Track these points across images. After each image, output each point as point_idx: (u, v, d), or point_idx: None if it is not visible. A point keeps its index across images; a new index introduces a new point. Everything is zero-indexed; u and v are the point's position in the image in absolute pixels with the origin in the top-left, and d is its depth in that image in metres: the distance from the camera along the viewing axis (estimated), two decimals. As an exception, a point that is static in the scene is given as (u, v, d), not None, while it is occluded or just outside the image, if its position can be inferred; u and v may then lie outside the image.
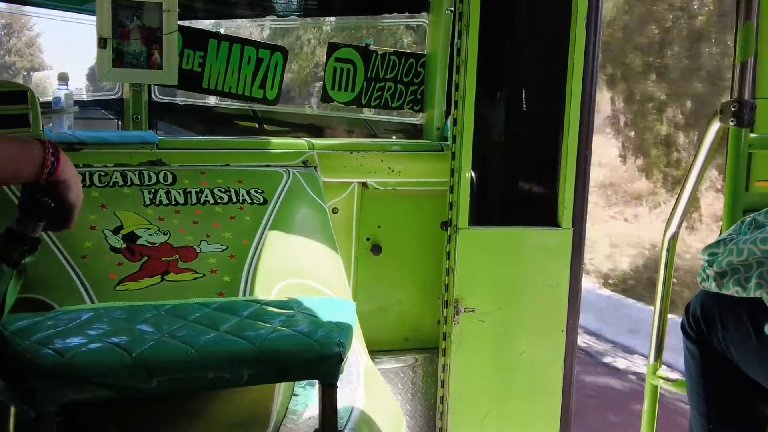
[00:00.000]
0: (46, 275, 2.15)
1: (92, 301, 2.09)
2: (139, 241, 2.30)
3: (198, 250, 2.29)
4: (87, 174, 2.52)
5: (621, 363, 6.35)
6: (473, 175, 2.84)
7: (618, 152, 11.36)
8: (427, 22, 3.56)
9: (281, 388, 1.82)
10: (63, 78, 3.21)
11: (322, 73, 3.59)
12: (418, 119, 3.63)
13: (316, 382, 1.64)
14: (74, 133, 2.84)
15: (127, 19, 3.17)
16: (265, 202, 2.56)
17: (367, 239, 3.10)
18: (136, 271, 2.19)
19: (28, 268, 1.38)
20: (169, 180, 2.55)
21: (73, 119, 3.15)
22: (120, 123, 4.01)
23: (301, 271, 2.33)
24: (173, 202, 2.47)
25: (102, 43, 3.16)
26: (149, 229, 2.35)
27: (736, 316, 1.60)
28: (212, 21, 3.93)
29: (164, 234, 2.33)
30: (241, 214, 2.48)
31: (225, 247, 2.32)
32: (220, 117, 4.19)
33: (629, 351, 6.55)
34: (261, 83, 3.49)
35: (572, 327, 2.89)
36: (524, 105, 3.09)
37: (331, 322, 1.70)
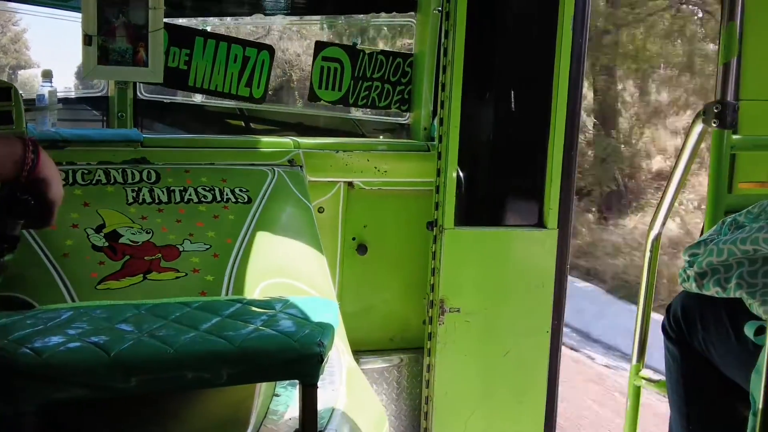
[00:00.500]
0: (27, 273, 2.13)
1: (73, 300, 2.07)
2: (121, 240, 2.28)
3: (181, 249, 2.28)
4: (70, 172, 2.50)
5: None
6: (460, 174, 2.84)
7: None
8: (415, 21, 3.55)
9: (262, 388, 1.81)
10: (47, 75, 3.19)
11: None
12: (405, 119, 3.63)
13: (298, 382, 1.63)
14: (58, 130, 2.82)
15: (112, 16, 3.14)
16: (250, 201, 2.54)
17: (353, 239, 3.09)
18: (118, 269, 2.17)
19: (7, 267, 1.37)
20: (153, 178, 2.54)
21: (57, 116, 3.14)
22: (105, 121, 3.99)
23: (285, 270, 2.32)
24: (156, 201, 2.45)
25: (87, 40, 3.13)
26: (132, 227, 2.33)
27: (716, 316, 1.60)
28: (199, 18, 3.91)
29: (147, 233, 2.32)
30: (225, 212, 2.47)
31: (208, 246, 2.30)
32: (207, 115, 4.17)
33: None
34: (247, 81, 3.47)
35: (557, 328, 2.89)
36: (511, 105, 3.09)
37: (313, 322, 1.68)
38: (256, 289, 2.17)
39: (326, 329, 1.66)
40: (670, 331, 1.74)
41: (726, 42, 1.87)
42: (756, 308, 1.47)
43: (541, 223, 2.89)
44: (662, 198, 2.08)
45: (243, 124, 4.01)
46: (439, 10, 3.30)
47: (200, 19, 3.83)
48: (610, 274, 8.64)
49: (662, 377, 2.10)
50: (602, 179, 10.77)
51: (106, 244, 2.26)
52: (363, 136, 3.81)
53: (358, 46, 3.57)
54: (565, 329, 3.06)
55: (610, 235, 9.88)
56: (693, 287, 1.60)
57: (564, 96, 2.84)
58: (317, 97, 3.59)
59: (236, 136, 3.20)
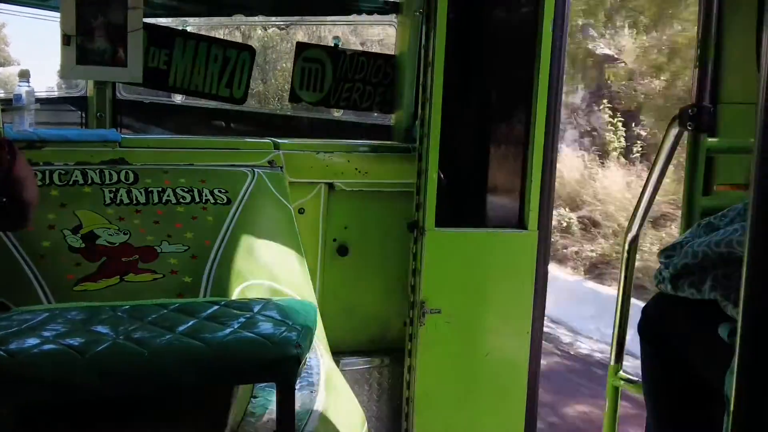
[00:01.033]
0: (3, 275, 2.11)
1: (49, 302, 2.05)
2: (98, 241, 2.26)
3: (159, 250, 2.26)
4: (47, 172, 2.47)
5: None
6: (441, 176, 2.84)
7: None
8: (396, 23, 3.55)
9: (240, 390, 1.80)
10: (24, 75, 3.16)
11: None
12: (387, 120, 3.63)
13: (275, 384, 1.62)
14: (35, 130, 2.79)
15: (91, 16, 3.12)
16: (229, 202, 2.53)
17: (334, 240, 3.08)
18: (95, 271, 2.16)
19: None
20: (131, 179, 2.52)
21: (34, 116, 3.11)
22: (84, 121, 3.96)
23: (264, 272, 2.31)
24: (134, 202, 2.44)
25: (66, 40, 3.11)
26: (109, 228, 2.31)
27: (691, 318, 1.61)
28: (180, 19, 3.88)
29: (124, 234, 2.30)
30: (203, 214, 2.45)
31: (186, 248, 2.29)
32: (187, 115, 4.15)
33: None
34: (228, 82, 3.46)
35: (537, 328, 2.90)
36: (492, 107, 3.10)
37: (291, 324, 1.68)
38: (234, 290, 2.16)
39: (304, 331, 1.65)
40: (645, 332, 1.75)
41: (702, 46, 1.88)
42: (730, 310, 1.48)
43: (521, 225, 2.90)
44: (639, 201, 2.09)
45: (224, 124, 4.00)
46: (420, 12, 3.30)
47: (180, 19, 3.80)
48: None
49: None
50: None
51: (83, 245, 2.24)
52: (344, 137, 3.81)
53: (340, 47, 3.56)
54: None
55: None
56: (668, 289, 1.61)
57: (544, 98, 2.85)
58: (298, 98, 3.58)
59: (216, 137, 3.18)
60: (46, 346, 1.54)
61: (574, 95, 11.44)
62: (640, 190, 2.10)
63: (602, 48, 11.06)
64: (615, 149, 10.36)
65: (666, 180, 2.07)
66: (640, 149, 10.05)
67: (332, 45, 3.58)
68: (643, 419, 1.88)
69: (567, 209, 9.68)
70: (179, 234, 2.35)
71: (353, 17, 3.97)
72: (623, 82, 10.74)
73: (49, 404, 1.60)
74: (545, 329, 3.24)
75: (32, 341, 1.56)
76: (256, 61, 3.51)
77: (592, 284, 8.23)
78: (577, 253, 8.96)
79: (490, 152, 3.11)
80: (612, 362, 2.20)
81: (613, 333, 2.19)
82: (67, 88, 4.82)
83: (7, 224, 1.38)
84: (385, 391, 3.13)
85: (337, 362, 2.89)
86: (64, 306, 1.92)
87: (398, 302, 3.05)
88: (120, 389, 1.50)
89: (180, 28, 3.47)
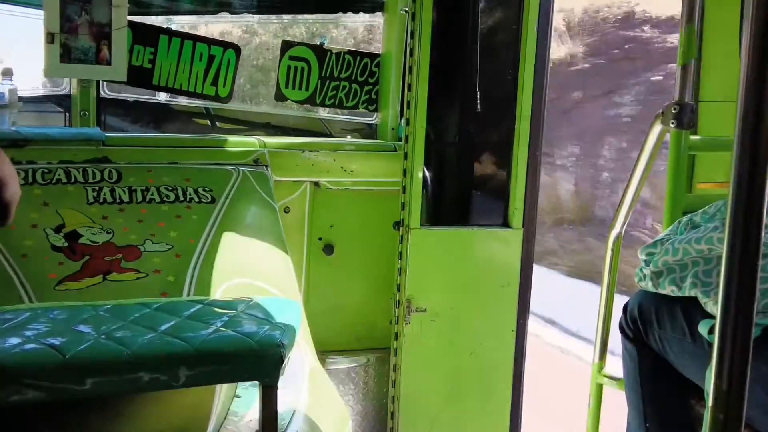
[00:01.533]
0: (-16, 275, 2.10)
1: (31, 301, 2.04)
2: (81, 240, 2.25)
3: (142, 249, 2.25)
4: (30, 171, 2.46)
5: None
6: (427, 175, 2.84)
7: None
8: (383, 22, 3.55)
9: (223, 389, 1.79)
10: (7, 73, 3.14)
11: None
12: (373, 119, 3.63)
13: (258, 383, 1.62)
14: (18, 129, 2.77)
15: (75, 13, 3.10)
16: (213, 200, 2.52)
17: (320, 239, 3.08)
18: (78, 270, 2.15)
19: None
20: (114, 178, 2.51)
21: (17, 115, 3.09)
22: (68, 119, 3.94)
23: (248, 271, 2.31)
24: (118, 201, 2.42)
25: (49, 38, 3.09)
26: (92, 227, 2.30)
27: (672, 315, 1.62)
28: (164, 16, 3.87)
29: (107, 233, 2.29)
30: (187, 212, 2.44)
31: (170, 247, 2.28)
32: (172, 114, 4.13)
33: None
34: (213, 80, 3.45)
35: (522, 327, 2.91)
36: (477, 106, 3.11)
37: (274, 323, 1.67)
38: (218, 289, 2.16)
39: (287, 330, 1.65)
40: (627, 329, 1.75)
41: (685, 44, 1.89)
42: (710, 307, 1.49)
43: (506, 223, 2.91)
44: (622, 198, 2.10)
45: (209, 123, 3.99)
46: (406, 11, 3.30)
47: (165, 17, 3.78)
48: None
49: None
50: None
51: (66, 244, 2.23)
52: (331, 136, 3.81)
53: (326, 46, 3.56)
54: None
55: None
56: (649, 286, 1.62)
57: (529, 96, 2.86)
58: (284, 97, 3.57)
59: (201, 136, 3.17)
60: (28, 346, 1.53)
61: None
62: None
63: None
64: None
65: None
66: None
67: (318, 44, 3.57)
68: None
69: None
70: (163, 233, 2.34)
71: (339, 15, 3.97)
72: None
73: (29, 404, 1.59)
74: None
75: (13, 341, 1.55)
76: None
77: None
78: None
79: (475, 151, 3.12)
80: (596, 360, 2.20)
81: (597, 331, 2.19)
82: (51, 87, 4.79)
83: None
84: (370, 389, 3.13)
85: (323, 361, 2.89)
86: (46, 305, 1.91)
87: (384, 301, 3.06)
88: (102, 389, 1.49)
89: (165, 26, 3.46)
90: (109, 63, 3.13)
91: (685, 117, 1.88)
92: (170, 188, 2.51)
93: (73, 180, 2.46)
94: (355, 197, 3.09)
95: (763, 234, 1.08)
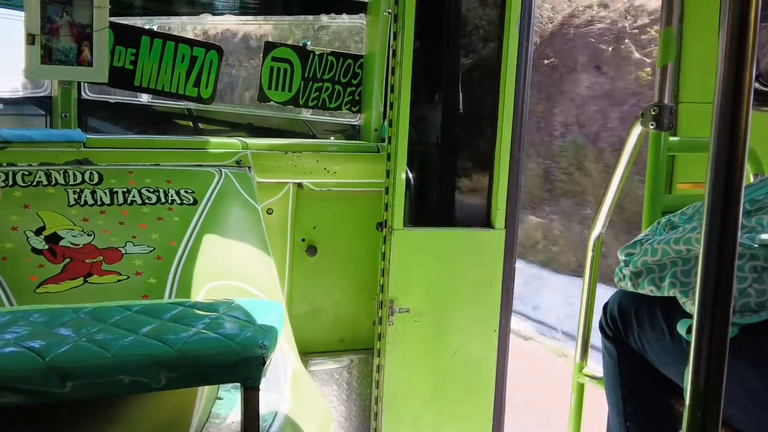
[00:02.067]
0: (-37, 278, 2.08)
1: (12, 304, 2.03)
2: (61, 243, 2.24)
3: (123, 251, 2.24)
4: (10, 173, 2.44)
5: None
6: (410, 175, 2.85)
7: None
8: (365, 23, 3.55)
9: (205, 391, 1.79)
10: (-13, 74, 3.11)
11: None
12: (356, 120, 3.63)
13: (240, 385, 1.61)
14: (-2, 131, 2.75)
15: (56, 14, 3.08)
16: (195, 202, 2.51)
17: (302, 240, 3.08)
18: (58, 273, 2.13)
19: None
20: (95, 180, 2.49)
21: (-3, 117, 3.06)
22: (49, 121, 3.91)
23: (230, 272, 2.30)
24: (99, 203, 2.41)
25: (30, 39, 3.07)
26: (73, 230, 2.29)
27: (651, 315, 1.64)
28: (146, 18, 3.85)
29: (88, 235, 2.28)
30: (169, 214, 2.43)
31: (152, 249, 2.27)
32: (154, 115, 4.11)
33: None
34: (195, 82, 3.43)
35: (504, 326, 2.92)
36: (459, 107, 3.11)
37: (256, 325, 1.67)
38: (200, 291, 2.15)
39: (269, 331, 1.65)
40: (607, 329, 1.77)
41: (664, 46, 1.91)
42: (689, 306, 1.50)
43: (488, 224, 2.91)
44: (603, 199, 2.11)
45: (191, 125, 3.97)
46: (388, 12, 3.31)
47: (146, 18, 3.77)
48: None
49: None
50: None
51: (46, 246, 2.21)
52: (314, 137, 3.80)
53: (309, 47, 3.55)
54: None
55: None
56: (629, 286, 1.63)
57: (510, 97, 2.87)
58: (267, 98, 3.56)
59: (183, 137, 3.15)
60: (8, 349, 1.52)
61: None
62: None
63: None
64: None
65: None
66: None
67: (301, 44, 3.57)
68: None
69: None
70: (144, 235, 2.33)
71: (322, 17, 3.97)
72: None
73: (10, 407, 1.58)
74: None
75: (-7, 344, 1.54)
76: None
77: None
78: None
79: (458, 151, 3.13)
80: (577, 359, 2.22)
81: (578, 330, 2.21)
82: (32, 88, 4.76)
83: None
84: (354, 390, 3.13)
85: (306, 362, 2.90)
86: (26, 308, 1.89)
87: (367, 302, 3.06)
88: (82, 392, 1.48)
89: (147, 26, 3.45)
90: (90, 64, 3.11)
91: (664, 118, 1.90)
92: (152, 190, 2.50)
93: (53, 182, 2.45)
94: (339, 198, 3.09)
95: (739, 234, 1.09)
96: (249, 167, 2.85)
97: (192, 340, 1.56)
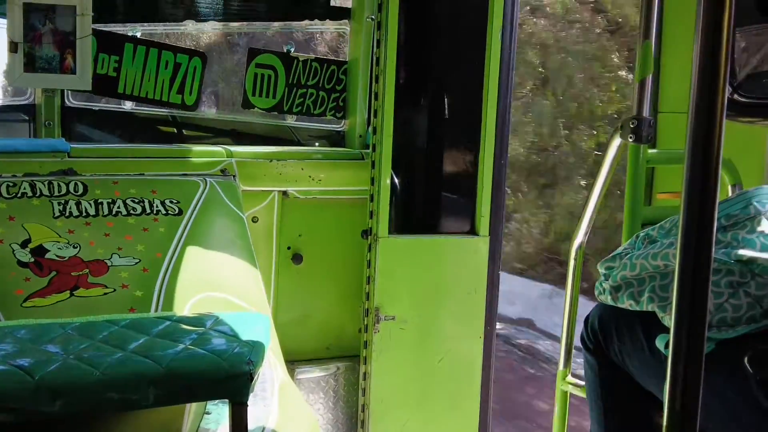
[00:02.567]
0: (-51, 292, 2.08)
1: None
2: (47, 255, 2.24)
3: (109, 263, 2.25)
4: None
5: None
6: (395, 181, 2.87)
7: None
8: (349, 29, 3.57)
9: (193, 406, 1.80)
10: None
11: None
12: (340, 126, 3.64)
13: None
14: (-19, 141, 2.75)
15: (39, 22, 3.07)
16: (181, 212, 2.52)
17: (288, 248, 3.09)
18: (45, 286, 2.14)
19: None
20: (80, 190, 2.50)
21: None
22: (32, 128, 3.90)
23: (217, 284, 2.31)
24: (84, 214, 2.41)
25: (13, 47, 3.06)
26: (58, 242, 2.29)
27: (631, 329, 1.67)
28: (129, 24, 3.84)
29: (74, 247, 2.28)
30: (155, 225, 2.44)
31: (137, 261, 2.28)
32: (139, 122, 4.10)
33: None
34: (179, 88, 3.44)
35: (489, 333, 2.95)
36: (443, 114, 3.14)
37: (243, 340, 1.69)
38: (186, 304, 2.16)
39: (256, 347, 1.66)
40: (588, 342, 1.80)
41: (642, 60, 1.94)
42: (667, 321, 1.53)
43: (473, 231, 2.94)
44: (584, 209, 2.14)
45: (175, 131, 3.97)
46: (371, 19, 3.32)
47: (130, 24, 3.76)
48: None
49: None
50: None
51: (32, 259, 2.22)
52: (299, 143, 3.81)
53: (292, 53, 3.56)
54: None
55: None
56: (609, 300, 1.67)
57: (494, 105, 2.90)
58: (251, 104, 3.57)
59: (167, 146, 3.16)
60: (-4, 368, 1.53)
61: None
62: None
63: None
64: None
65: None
66: None
67: (285, 51, 3.58)
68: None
69: None
70: (130, 246, 2.34)
71: (305, 23, 3.98)
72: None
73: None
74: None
75: (-20, 362, 1.54)
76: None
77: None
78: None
79: (442, 159, 3.15)
80: (560, 367, 2.25)
81: (562, 339, 2.24)
82: (14, 96, 4.73)
83: None
84: (340, 398, 3.15)
85: (292, 370, 2.91)
86: (12, 324, 1.90)
87: (353, 309, 3.08)
88: (71, 410, 1.49)
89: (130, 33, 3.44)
90: (73, 72, 3.10)
91: (643, 131, 1.93)
92: (137, 200, 2.51)
93: (38, 193, 2.45)
94: (324, 206, 3.11)
95: (714, 247, 1.12)
96: (234, 176, 2.87)
97: (180, 356, 1.58)
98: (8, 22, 3.02)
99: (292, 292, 3.08)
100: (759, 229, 1.49)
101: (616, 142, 1.98)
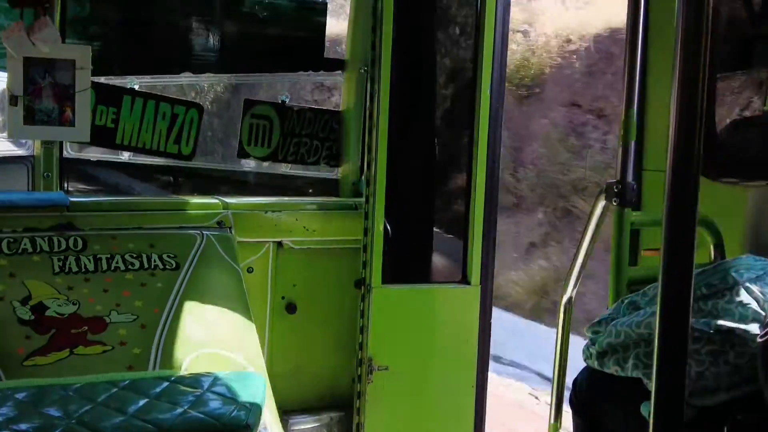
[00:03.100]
0: (-50, 350, 2.11)
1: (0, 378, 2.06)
2: (47, 312, 2.28)
3: (108, 320, 2.29)
4: None
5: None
6: (388, 229, 2.91)
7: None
8: (343, 79, 3.65)
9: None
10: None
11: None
12: (333, 174, 3.70)
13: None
14: (-19, 196, 2.79)
15: (39, 76, 3.13)
16: (178, 267, 2.57)
17: (282, 298, 3.12)
18: (45, 344, 2.17)
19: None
20: (80, 246, 2.54)
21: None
22: (31, 179, 3.94)
23: (213, 340, 2.35)
24: (83, 270, 2.46)
25: (13, 100, 3.12)
26: (58, 299, 2.33)
27: (616, 394, 1.72)
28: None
29: (73, 304, 2.32)
30: (152, 280, 2.49)
31: (135, 317, 2.32)
32: (136, 172, 4.16)
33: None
34: (176, 139, 3.49)
35: (482, 381, 2.99)
36: (436, 165, 3.21)
37: (240, 402, 1.74)
38: (184, 361, 2.20)
39: (253, 409, 1.71)
40: (576, 404, 1.85)
41: (625, 126, 2.01)
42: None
43: (464, 280, 2.99)
44: (572, 266, 2.20)
45: (172, 180, 4.03)
46: (365, 70, 3.40)
47: (128, 77, 3.83)
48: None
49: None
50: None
51: (33, 317, 2.26)
52: (292, 190, 3.87)
53: (287, 104, 3.63)
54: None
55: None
56: (595, 364, 1.72)
57: (483, 157, 2.96)
58: (246, 153, 3.64)
59: (164, 198, 3.21)
60: (-3, 434, 1.56)
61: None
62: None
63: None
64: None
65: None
66: None
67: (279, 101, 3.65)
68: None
69: None
70: (128, 302, 2.38)
71: (300, 74, 4.06)
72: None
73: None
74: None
75: (-18, 428, 1.58)
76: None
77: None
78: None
79: (434, 208, 3.22)
80: (551, 420, 2.28)
81: (552, 393, 2.28)
82: (13, 147, 4.78)
83: None
84: (334, 448, 3.16)
85: (286, 421, 2.93)
86: (13, 385, 1.93)
87: (346, 359, 3.10)
88: None
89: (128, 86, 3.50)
90: (72, 124, 3.16)
91: (626, 195, 2.00)
92: (135, 255, 2.55)
93: (38, 249, 2.49)
94: (318, 256, 3.16)
95: (691, 319, 1.18)
96: (230, 227, 2.92)
97: (179, 420, 1.63)
98: (9, 76, 3.08)
99: (286, 342, 3.11)
100: (737, 299, 1.55)
101: (601, 204, 2.05)
